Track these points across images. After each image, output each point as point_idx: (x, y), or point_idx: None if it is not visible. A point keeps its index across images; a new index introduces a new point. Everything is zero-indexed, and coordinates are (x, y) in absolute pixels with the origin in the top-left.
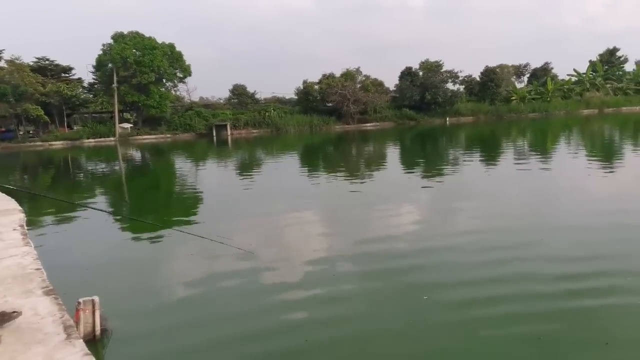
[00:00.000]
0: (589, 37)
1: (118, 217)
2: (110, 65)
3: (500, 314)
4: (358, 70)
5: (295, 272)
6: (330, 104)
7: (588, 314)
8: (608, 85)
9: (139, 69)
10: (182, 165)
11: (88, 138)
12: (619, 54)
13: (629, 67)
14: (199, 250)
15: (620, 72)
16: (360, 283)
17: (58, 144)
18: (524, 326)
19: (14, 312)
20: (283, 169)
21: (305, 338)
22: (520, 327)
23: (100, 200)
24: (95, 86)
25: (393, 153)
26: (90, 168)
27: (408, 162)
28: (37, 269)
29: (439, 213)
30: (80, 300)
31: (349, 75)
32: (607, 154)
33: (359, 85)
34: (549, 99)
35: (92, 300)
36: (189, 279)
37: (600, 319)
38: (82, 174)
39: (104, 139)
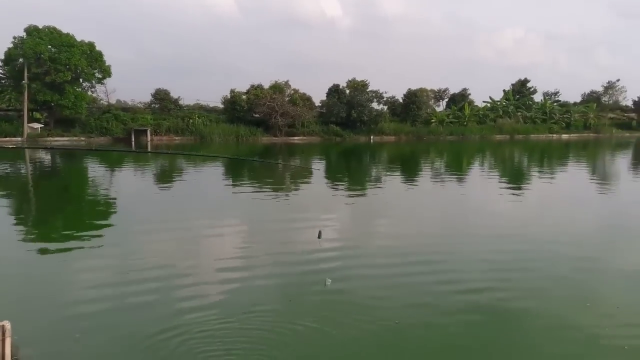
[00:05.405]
0: (501, 68)
1: (23, 225)
2: (21, 60)
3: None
4: (287, 84)
5: (210, 283)
6: (257, 115)
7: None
8: (519, 114)
9: (53, 66)
10: (94, 171)
11: None
12: (529, 85)
13: (537, 97)
14: (114, 263)
15: (530, 102)
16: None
17: None
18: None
19: None
20: (203, 179)
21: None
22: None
23: (1, 208)
24: (3, 81)
25: (320, 167)
26: None
27: (333, 177)
28: None
29: (356, 227)
30: None
31: (277, 88)
32: (516, 177)
33: (287, 99)
34: (465, 123)
35: (2, 326)
36: (106, 297)
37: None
38: None
39: (9, 139)
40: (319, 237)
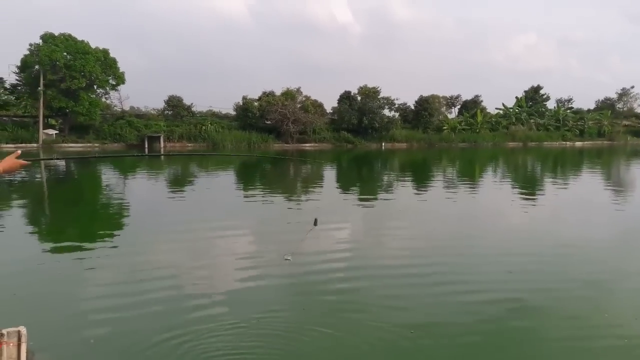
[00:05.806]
0: (513, 74)
1: (37, 231)
2: (37, 67)
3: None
4: (299, 90)
5: (222, 287)
6: (269, 122)
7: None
8: (532, 121)
9: (69, 73)
10: (107, 176)
11: (7, 143)
12: (542, 92)
13: (551, 104)
14: (128, 268)
15: (543, 109)
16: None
17: None
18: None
19: None
20: (215, 184)
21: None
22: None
23: (17, 213)
24: (19, 88)
25: (331, 174)
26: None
27: (345, 182)
28: None
29: (369, 231)
30: (4, 331)
31: (289, 95)
32: (530, 185)
33: (299, 105)
34: (478, 130)
35: (18, 332)
36: (121, 302)
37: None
38: None
39: (25, 145)
40: (315, 224)
